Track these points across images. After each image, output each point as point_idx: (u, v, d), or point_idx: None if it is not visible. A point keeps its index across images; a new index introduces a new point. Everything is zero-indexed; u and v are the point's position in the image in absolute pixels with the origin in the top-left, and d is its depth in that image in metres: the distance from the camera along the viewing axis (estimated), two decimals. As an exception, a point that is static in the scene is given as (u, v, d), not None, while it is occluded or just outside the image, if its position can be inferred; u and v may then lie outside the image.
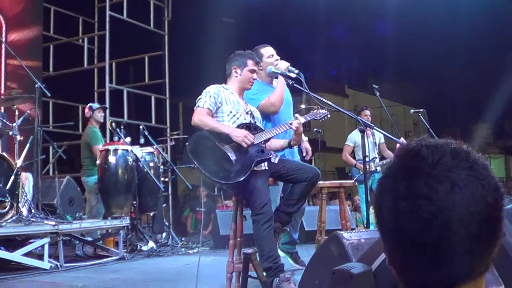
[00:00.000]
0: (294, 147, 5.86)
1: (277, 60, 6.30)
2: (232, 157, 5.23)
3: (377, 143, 10.74)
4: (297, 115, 5.77)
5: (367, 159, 5.97)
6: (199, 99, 5.56)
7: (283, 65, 6.17)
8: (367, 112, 10.60)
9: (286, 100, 6.35)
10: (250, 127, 5.52)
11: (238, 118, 5.55)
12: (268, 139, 5.58)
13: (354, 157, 11.03)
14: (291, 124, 5.56)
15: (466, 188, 1.26)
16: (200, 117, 5.43)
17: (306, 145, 6.86)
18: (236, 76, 5.75)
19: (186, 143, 5.44)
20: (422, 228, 1.27)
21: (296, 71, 6.06)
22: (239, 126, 5.47)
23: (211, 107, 5.48)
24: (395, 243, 1.36)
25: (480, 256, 1.29)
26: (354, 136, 10.65)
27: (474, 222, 1.26)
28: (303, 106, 10.31)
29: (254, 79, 5.80)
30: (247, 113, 5.70)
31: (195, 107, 5.56)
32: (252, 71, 5.73)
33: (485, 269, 1.32)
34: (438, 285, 1.31)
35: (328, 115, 6.01)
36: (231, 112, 5.55)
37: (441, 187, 1.26)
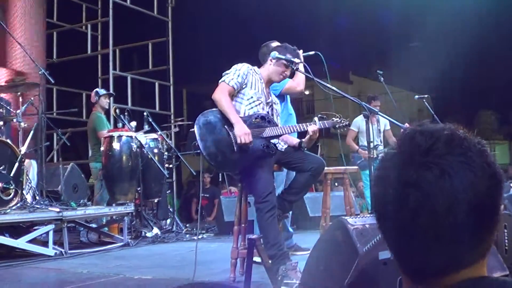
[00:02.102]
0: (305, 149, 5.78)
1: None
2: (236, 145, 5.20)
3: (382, 130, 10.69)
4: (316, 118, 5.68)
5: (371, 145, 5.94)
6: (227, 74, 5.45)
7: (299, 52, 6.22)
8: (378, 102, 10.53)
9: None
10: (265, 119, 5.45)
11: (256, 106, 5.47)
12: (279, 136, 5.50)
13: (357, 143, 11.00)
14: (307, 126, 5.49)
15: (456, 175, 1.24)
16: (220, 94, 5.33)
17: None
18: (270, 65, 5.66)
19: (196, 119, 5.34)
20: (410, 216, 1.26)
21: (312, 53, 6.38)
22: (254, 115, 5.40)
23: (235, 86, 5.39)
24: (386, 231, 1.35)
25: (471, 244, 1.27)
26: (358, 121, 10.57)
27: (462, 210, 1.23)
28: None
29: (286, 74, 5.72)
30: (267, 103, 5.63)
31: (220, 81, 5.46)
32: (287, 66, 5.62)
33: (479, 257, 1.29)
34: (431, 273, 1.29)
35: (347, 125, 5.91)
36: (252, 97, 5.46)
37: (429, 174, 1.25)
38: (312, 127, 5.44)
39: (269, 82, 5.74)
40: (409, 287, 1.34)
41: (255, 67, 5.66)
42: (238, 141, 5.18)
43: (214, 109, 5.40)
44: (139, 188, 9.20)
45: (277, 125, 5.50)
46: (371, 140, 5.64)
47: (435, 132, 1.31)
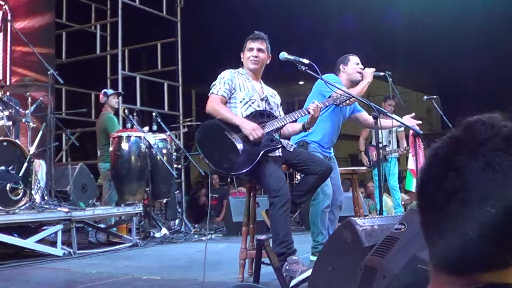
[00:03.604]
0: (309, 129, 5.81)
1: (362, 68, 6.61)
2: (240, 146, 5.21)
3: (393, 131, 10.66)
4: (315, 100, 5.72)
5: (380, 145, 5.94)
6: (214, 85, 5.55)
7: (370, 70, 6.49)
8: (392, 102, 10.52)
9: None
10: (264, 115, 5.49)
11: (250, 105, 5.52)
12: (281, 127, 5.54)
13: (371, 142, 11.00)
14: (308, 109, 5.51)
15: (500, 173, 1.21)
16: (213, 105, 5.43)
17: None
18: (243, 61, 5.77)
19: (195, 137, 5.43)
20: (444, 198, 1.23)
21: (382, 74, 6.49)
22: (252, 113, 5.45)
23: (225, 94, 5.47)
24: (421, 210, 1.33)
25: (501, 246, 1.21)
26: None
27: (497, 207, 1.19)
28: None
29: (255, 57, 5.74)
30: (262, 99, 5.66)
31: (209, 94, 5.55)
32: (250, 49, 5.71)
33: (508, 262, 1.22)
34: (453, 267, 1.26)
35: (350, 99, 5.96)
36: (244, 98, 5.52)
37: (475, 164, 1.22)
38: (312, 106, 5.46)
39: (257, 75, 5.79)
40: (433, 278, 1.32)
41: (239, 69, 5.74)
42: (251, 138, 5.22)
43: (206, 122, 5.48)
44: (147, 189, 9.21)
45: (276, 118, 5.53)
46: (380, 140, 5.63)
47: (496, 126, 1.28)
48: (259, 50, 5.72)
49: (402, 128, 10.72)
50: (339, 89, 5.73)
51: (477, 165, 1.22)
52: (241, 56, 5.80)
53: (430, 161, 1.32)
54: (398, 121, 6.30)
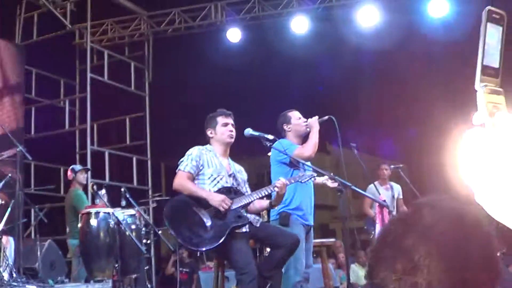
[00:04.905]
0: (275, 207, 5.92)
1: (305, 122, 6.67)
2: (208, 222, 5.29)
3: (395, 197, 10.71)
4: (281, 177, 5.83)
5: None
6: (181, 161, 5.65)
7: (314, 119, 6.58)
8: (385, 166, 10.63)
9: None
10: (231, 191, 5.58)
11: (219, 182, 5.62)
12: (248, 204, 5.62)
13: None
14: (275, 186, 5.62)
15: (448, 255, 1.26)
16: (180, 181, 5.52)
17: None
18: (213, 137, 5.89)
19: (163, 212, 5.51)
20: (395, 281, 1.28)
21: (326, 118, 6.51)
22: (220, 190, 5.54)
23: (192, 171, 5.56)
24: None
25: None
26: (373, 189, 10.47)
27: None
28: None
29: (231, 131, 5.90)
30: (229, 175, 5.77)
31: (177, 170, 5.64)
32: (225, 125, 5.87)
33: None
34: None
35: (315, 177, 6.10)
36: (212, 175, 5.63)
37: (423, 247, 1.27)
38: (279, 183, 5.56)
39: (225, 151, 5.92)
40: None
41: (207, 146, 5.86)
42: (221, 209, 5.31)
43: (174, 197, 5.56)
44: (116, 265, 9.14)
45: (243, 194, 5.62)
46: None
47: (444, 209, 1.33)
48: (233, 125, 5.88)
49: (402, 196, 10.77)
50: (304, 164, 5.84)
51: (425, 249, 1.27)
52: (208, 132, 5.91)
53: (380, 240, 1.38)
54: (361, 193, 6.40)
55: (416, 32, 13.45)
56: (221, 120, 5.96)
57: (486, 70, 1.08)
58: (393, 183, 10.55)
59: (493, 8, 1.09)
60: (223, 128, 5.92)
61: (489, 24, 1.08)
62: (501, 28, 1.10)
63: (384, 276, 1.32)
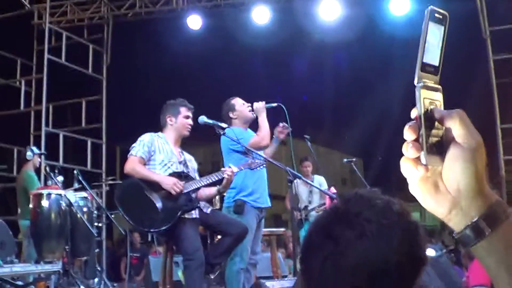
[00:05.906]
0: (223, 193, 5.99)
1: (249, 106, 6.68)
2: (159, 205, 5.33)
3: (315, 191, 10.78)
4: (230, 164, 5.90)
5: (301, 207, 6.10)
6: (133, 147, 5.68)
7: (260, 104, 6.53)
8: (307, 163, 10.70)
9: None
10: (181, 176, 5.63)
11: (169, 167, 5.67)
12: (198, 188, 5.68)
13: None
14: (223, 172, 5.68)
15: (372, 240, 1.31)
16: (132, 165, 5.55)
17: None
18: (172, 125, 5.92)
19: (115, 195, 5.54)
20: (320, 264, 1.34)
21: (275, 104, 6.50)
22: (171, 175, 5.58)
23: (143, 156, 5.60)
24: (302, 274, 1.44)
25: None
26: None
27: (365, 275, 1.30)
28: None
29: (189, 125, 5.95)
30: (180, 162, 5.82)
31: (128, 155, 5.67)
32: (187, 117, 5.92)
33: None
34: None
35: (264, 165, 6.16)
36: (163, 161, 5.67)
37: (351, 233, 1.33)
38: (228, 171, 5.63)
39: (178, 141, 5.97)
40: None
41: (158, 133, 5.90)
42: (173, 192, 5.36)
43: (125, 180, 5.59)
44: (67, 247, 9.11)
45: (193, 180, 5.68)
46: (301, 203, 5.79)
47: (372, 199, 1.39)
48: (192, 119, 5.95)
49: (326, 187, 10.90)
50: (256, 153, 5.89)
51: (353, 234, 1.34)
52: (168, 119, 5.94)
53: (311, 229, 1.45)
54: (312, 185, 6.49)
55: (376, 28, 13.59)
56: (184, 111, 6.02)
57: (425, 67, 1.12)
58: (315, 176, 10.60)
59: (436, 8, 1.12)
60: (184, 120, 5.99)
61: (431, 23, 1.12)
62: (443, 28, 1.14)
63: (311, 260, 1.39)
